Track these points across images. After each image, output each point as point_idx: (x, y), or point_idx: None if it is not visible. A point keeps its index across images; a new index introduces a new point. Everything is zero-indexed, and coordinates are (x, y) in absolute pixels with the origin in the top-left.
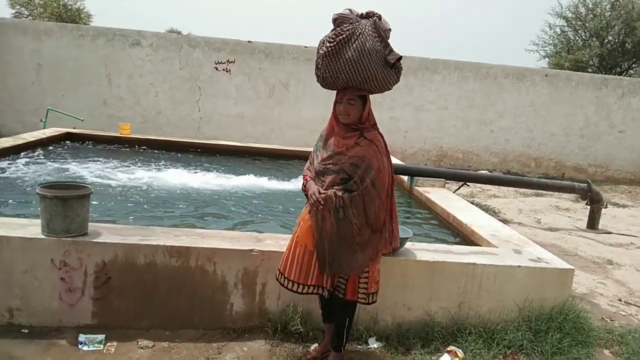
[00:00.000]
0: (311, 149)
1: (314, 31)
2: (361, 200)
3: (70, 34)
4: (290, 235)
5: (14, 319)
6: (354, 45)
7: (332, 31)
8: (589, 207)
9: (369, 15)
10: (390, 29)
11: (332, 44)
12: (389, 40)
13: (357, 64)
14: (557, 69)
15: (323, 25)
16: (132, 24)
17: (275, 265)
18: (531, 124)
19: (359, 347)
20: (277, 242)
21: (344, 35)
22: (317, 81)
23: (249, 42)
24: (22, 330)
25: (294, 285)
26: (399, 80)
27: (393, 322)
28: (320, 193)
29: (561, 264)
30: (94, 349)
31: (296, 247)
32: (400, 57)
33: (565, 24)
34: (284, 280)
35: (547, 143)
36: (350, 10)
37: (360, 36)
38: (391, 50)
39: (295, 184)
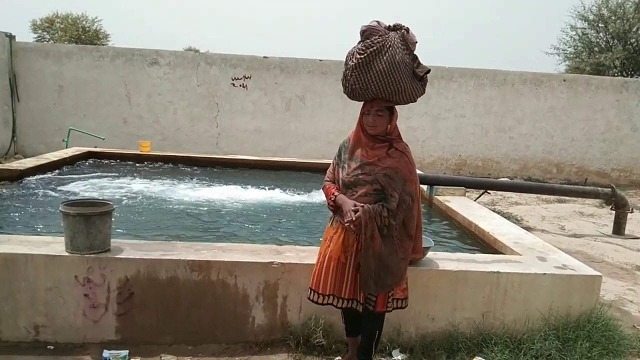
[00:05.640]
0: (328, 161)
1: (329, 45)
2: (402, 214)
3: (90, 55)
4: (317, 249)
5: (40, 336)
6: (385, 57)
7: (361, 43)
8: (614, 212)
9: (396, 28)
10: (416, 42)
11: (362, 56)
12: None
13: (387, 75)
14: (577, 72)
15: (337, 38)
16: (150, 43)
17: (296, 277)
18: (551, 129)
19: (383, 359)
20: (297, 254)
21: (374, 48)
22: (345, 92)
23: (264, 57)
24: (48, 347)
25: (329, 298)
26: (424, 93)
27: (417, 334)
28: (355, 206)
29: (588, 270)
30: None
31: (330, 262)
32: (429, 70)
33: (587, 26)
34: (318, 297)
35: (568, 148)
36: (378, 22)
37: (391, 48)
38: (419, 63)
39: (313, 197)
